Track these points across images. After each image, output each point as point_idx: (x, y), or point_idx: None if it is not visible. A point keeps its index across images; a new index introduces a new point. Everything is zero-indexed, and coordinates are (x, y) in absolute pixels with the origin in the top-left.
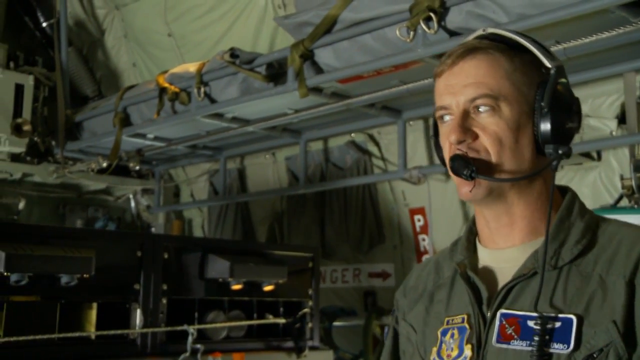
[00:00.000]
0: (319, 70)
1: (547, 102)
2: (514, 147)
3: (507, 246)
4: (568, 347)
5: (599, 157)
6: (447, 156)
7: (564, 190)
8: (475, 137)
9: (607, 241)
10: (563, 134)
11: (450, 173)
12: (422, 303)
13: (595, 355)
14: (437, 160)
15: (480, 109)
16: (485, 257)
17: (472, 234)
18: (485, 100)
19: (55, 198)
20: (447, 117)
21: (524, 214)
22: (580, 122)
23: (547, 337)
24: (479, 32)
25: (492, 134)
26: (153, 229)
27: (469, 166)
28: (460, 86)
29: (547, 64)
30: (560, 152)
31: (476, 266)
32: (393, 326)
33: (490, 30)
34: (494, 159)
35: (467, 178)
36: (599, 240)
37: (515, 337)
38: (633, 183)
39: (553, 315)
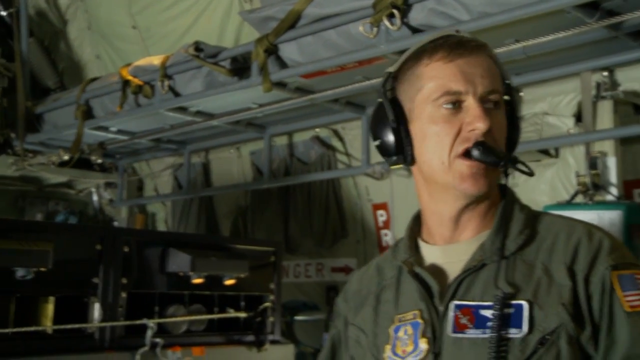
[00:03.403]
0: (283, 65)
1: (519, 112)
2: (504, 144)
3: (453, 242)
4: (522, 331)
5: (557, 154)
6: (452, 143)
7: (503, 187)
8: (492, 129)
9: (546, 232)
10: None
11: (456, 162)
12: (369, 305)
13: (548, 337)
14: None
15: (490, 104)
16: (431, 254)
17: (413, 234)
18: (497, 96)
19: (14, 191)
20: (453, 104)
21: (483, 210)
22: None
23: (501, 323)
24: (450, 32)
25: (499, 128)
26: (116, 223)
27: (500, 155)
28: (478, 76)
29: (507, 78)
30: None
31: (422, 263)
32: (332, 334)
33: (463, 33)
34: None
35: (500, 166)
36: (538, 231)
37: (470, 326)
38: (588, 180)
39: (513, 291)
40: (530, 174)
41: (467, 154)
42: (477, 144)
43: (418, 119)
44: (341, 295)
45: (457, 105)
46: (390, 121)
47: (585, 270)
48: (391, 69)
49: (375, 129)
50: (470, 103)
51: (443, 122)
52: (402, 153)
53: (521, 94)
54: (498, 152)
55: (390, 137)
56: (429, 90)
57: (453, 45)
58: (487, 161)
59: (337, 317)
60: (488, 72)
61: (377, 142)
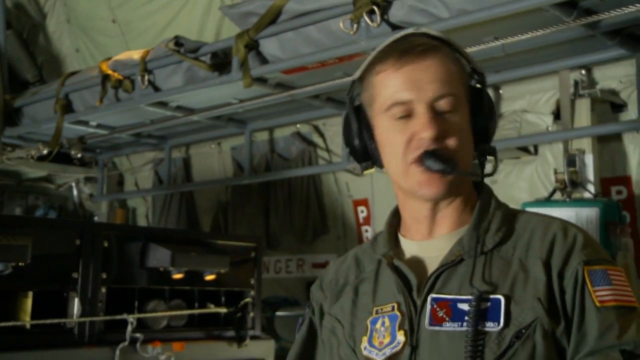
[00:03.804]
0: (263, 60)
1: (487, 105)
2: (467, 145)
3: (431, 237)
4: (499, 325)
5: (536, 152)
6: (404, 152)
7: (479, 184)
8: (445, 135)
9: (522, 229)
10: (493, 134)
11: (410, 169)
12: (347, 296)
13: (523, 331)
14: None
15: (443, 108)
16: (410, 248)
17: (392, 228)
18: (450, 99)
19: None
20: (403, 112)
21: (458, 207)
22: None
23: (478, 317)
24: (412, 30)
25: (458, 132)
26: (96, 218)
27: (449, 161)
28: (426, 82)
29: (479, 69)
30: (493, 150)
31: (402, 257)
32: (309, 317)
33: (424, 30)
34: (459, 156)
35: (447, 173)
36: (515, 229)
37: (447, 319)
38: (566, 177)
39: (488, 289)
40: (480, 176)
41: (419, 161)
42: (424, 154)
43: (378, 126)
44: (317, 283)
45: (408, 113)
46: (356, 129)
47: (560, 265)
48: (355, 76)
49: (345, 136)
50: (419, 111)
51: (395, 132)
52: (370, 159)
53: (500, 91)
54: (446, 159)
55: (357, 145)
56: (382, 99)
57: (401, 52)
58: (434, 169)
59: (311, 303)
60: (437, 76)
61: (348, 149)
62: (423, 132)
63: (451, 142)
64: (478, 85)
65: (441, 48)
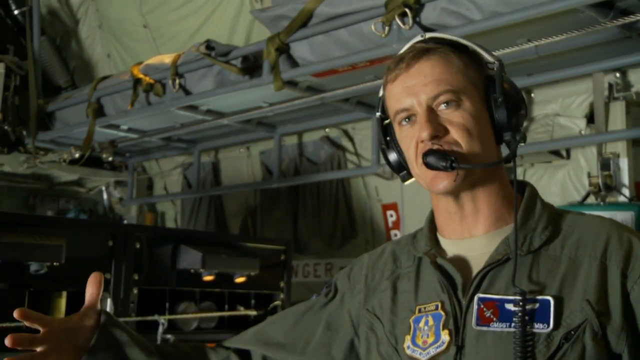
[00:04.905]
0: (294, 63)
1: (500, 93)
2: (480, 137)
3: (471, 236)
4: (548, 327)
5: (568, 156)
6: (415, 155)
7: (523, 184)
8: (445, 131)
9: (570, 228)
10: (517, 121)
11: (422, 170)
12: (385, 293)
13: (573, 333)
14: None
15: (443, 105)
16: (450, 247)
17: (432, 226)
18: (447, 96)
19: (25, 188)
20: (408, 119)
21: (488, 200)
22: (527, 109)
23: (527, 317)
24: (419, 38)
25: (460, 126)
26: (125, 222)
27: (447, 157)
28: (420, 85)
29: (490, 58)
30: (518, 137)
31: (444, 255)
32: (327, 297)
33: (429, 35)
34: (465, 149)
35: (448, 169)
36: (562, 227)
37: (495, 319)
38: (600, 181)
39: (535, 289)
40: (488, 165)
41: (423, 162)
42: (424, 155)
43: (397, 136)
44: (346, 271)
45: (412, 119)
46: (385, 143)
47: (621, 266)
48: (380, 93)
49: (380, 150)
50: (418, 114)
51: (405, 138)
52: (404, 169)
53: (532, 95)
54: (444, 155)
55: (389, 157)
56: (391, 110)
57: (397, 62)
58: (436, 167)
59: (335, 286)
60: (431, 77)
61: (385, 162)
62: (421, 133)
63: (451, 138)
64: (491, 74)
65: (437, 49)
